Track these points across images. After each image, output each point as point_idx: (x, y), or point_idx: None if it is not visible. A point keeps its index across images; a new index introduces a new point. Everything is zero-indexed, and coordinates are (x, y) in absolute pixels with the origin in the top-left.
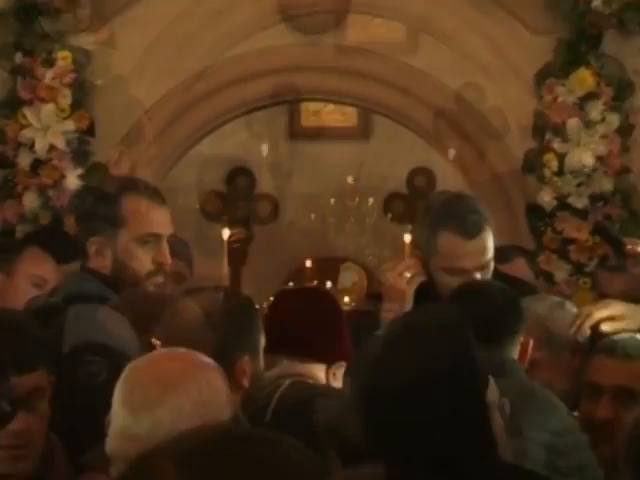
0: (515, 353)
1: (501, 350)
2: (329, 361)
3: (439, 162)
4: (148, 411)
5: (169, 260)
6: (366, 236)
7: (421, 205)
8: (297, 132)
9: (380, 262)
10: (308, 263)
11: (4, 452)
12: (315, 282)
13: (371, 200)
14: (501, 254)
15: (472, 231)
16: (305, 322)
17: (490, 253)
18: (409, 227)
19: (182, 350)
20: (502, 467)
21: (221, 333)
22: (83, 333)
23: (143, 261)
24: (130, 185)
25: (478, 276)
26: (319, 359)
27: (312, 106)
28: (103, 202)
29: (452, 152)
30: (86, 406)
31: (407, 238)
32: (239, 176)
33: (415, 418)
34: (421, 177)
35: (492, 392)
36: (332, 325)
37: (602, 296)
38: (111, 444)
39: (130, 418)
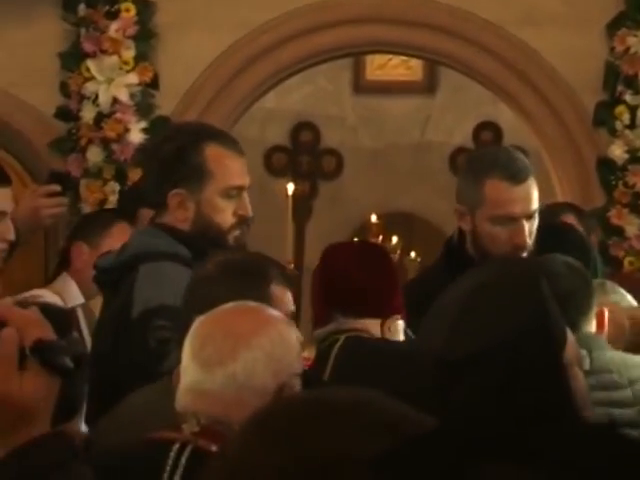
0: (592, 327)
1: (578, 330)
2: (384, 315)
3: (506, 116)
4: (221, 366)
5: (251, 212)
6: (432, 192)
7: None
8: (362, 86)
9: (446, 217)
10: (373, 218)
11: None
12: (380, 237)
13: (436, 156)
14: (549, 210)
15: (519, 176)
16: (357, 277)
17: (536, 202)
18: None
19: (252, 304)
20: (580, 429)
21: None
22: (154, 295)
23: (227, 214)
24: (211, 133)
25: (526, 226)
26: (373, 314)
27: (377, 59)
28: (186, 151)
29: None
30: (155, 373)
31: None
32: (304, 130)
33: (495, 384)
34: (488, 131)
35: (571, 348)
36: (385, 279)
37: None
38: (181, 400)
39: (202, 373)
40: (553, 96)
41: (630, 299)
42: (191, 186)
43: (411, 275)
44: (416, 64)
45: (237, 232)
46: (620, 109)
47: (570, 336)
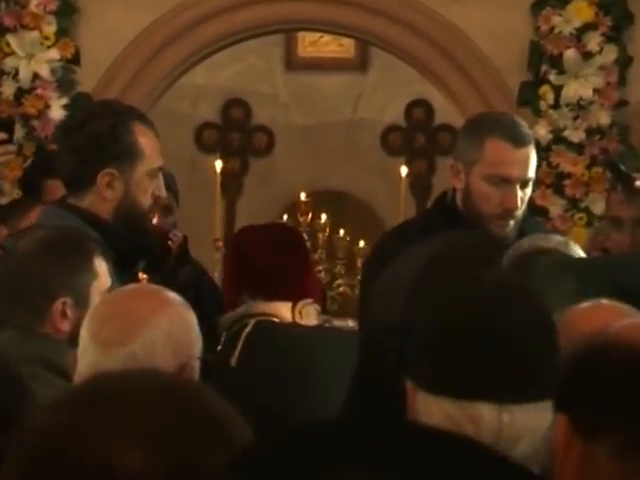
0: None
1: None
2: (294, 298)
3: (438, 95)
4: (120, 346)
5: (165, 194)
6: (364, 170)
7: (420, 137)
8: (293, 63)
9: (377, 195)
10: (302, 196)
11: None
12: (310, 215)
13: (368, 134)
14: None
15: (522, 140)
16: (267, 259)
17: (533, 172)
18: (405, 160)
19: (150, 286)
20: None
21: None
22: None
23: (148, 195)
24: (136, 113)
25: (519, 192)
26: (282, 297)
27: (309, 36)
28: (119, 130)
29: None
30: None
31: (404, 171)
32: (234, 107)
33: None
34: (419, 109)
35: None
36: (296, 261)
37: (612, 219)
38: (79, 382)
39: (101, 354)
40: (478, 76)
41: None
42: (123, 165)
43: (340, 254)
44: (348, 41)
45: (154, 214)
46: (544, 89)
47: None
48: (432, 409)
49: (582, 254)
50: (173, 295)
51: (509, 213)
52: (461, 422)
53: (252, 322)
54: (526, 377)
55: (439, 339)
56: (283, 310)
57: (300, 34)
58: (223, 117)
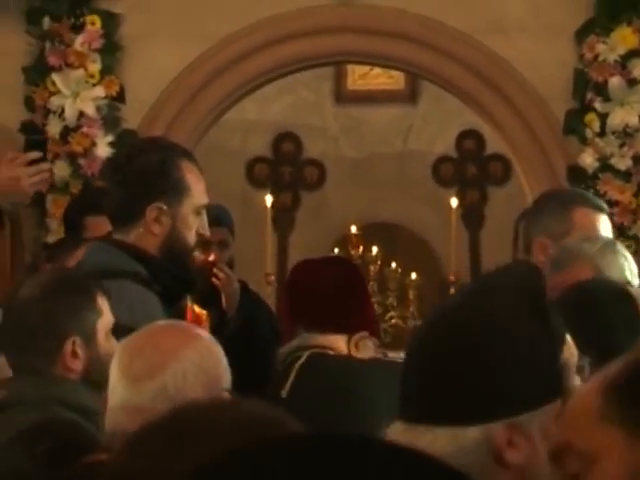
0: None
1: None
2: (349, 331)
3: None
4: (150, 379)
5: (208, 233)
6: (415, 201)
7: (472, 167)
8: (343, 96)
9: (428, 226)
10: (353, 229)
11: None
12: (361, 248)
13: (419, 165)
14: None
15: (602, 206)
16: (324, 291)
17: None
18: (456, 190)
19: (177, 322)
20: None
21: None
22: (119, 317)
23: (193, 233)
24: (183, 150)
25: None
26: (337, 329)
27: (358, 69)
28: (168, 165)
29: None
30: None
31: (454, 202)
32: (285, 141)
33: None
34: (470, 140)
35: (567, 351)
36: (352, 294)
37: None
38: (111, 419)
39: (131, 389)
40: (522, 104)
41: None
42: (170, 200)
43: (392, 286)
44: (398, 73)
45: (198, 252)
46: (590, 117)
47: (568, 341)
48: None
49: (629, 255)
50: (200, 330)
51: None
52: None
53: (306, 354)
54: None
55: None
56: (339, 342)
57: (350, 67)
58: (274, 151)
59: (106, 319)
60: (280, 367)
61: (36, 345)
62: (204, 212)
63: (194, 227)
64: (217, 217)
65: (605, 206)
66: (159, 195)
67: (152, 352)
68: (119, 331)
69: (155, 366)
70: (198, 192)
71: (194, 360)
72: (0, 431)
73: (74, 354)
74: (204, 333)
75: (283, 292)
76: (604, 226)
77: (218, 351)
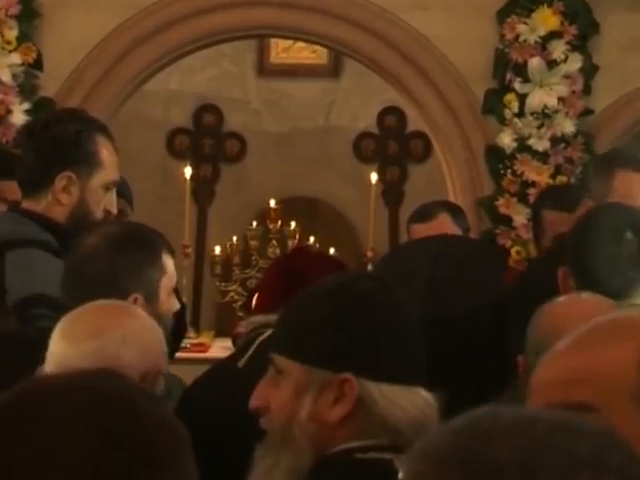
0: None
1: None
2: None
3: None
4: (89, 340)
5: (115, 211)
6: (336, 177)
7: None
8: (266, 69)
9: (349, 202)
10: (272, 203)
11: None
12: (279, 222)
13: (340, 141)
14: (421, 211)
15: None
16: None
17: None
18: (377, 167)
19: (119, 302)
20: None
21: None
22: (30, 284)
23: (100, 208)
24: (101, 125)
25: None
26: None
27: (282, 42)
28: (83, 136)
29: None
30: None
31: (374, 178)
32: (207, 113)
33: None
34: (392, 116)
35: None
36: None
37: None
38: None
39: (71, 348)
40: (443, 83)
41: None
42: (82, 171)
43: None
44: (321, 48)
45: None
46: (509, 97)
47: None
48: None
49: None
50: (140, 310)
51: None
52: None
53: (269, 331)
54: None
55: None
56: None
57: (273, 40)
58: (195, 123)
59: (170, 279)
60: (242, 339)
61: (96, 297)
62: (113, 191)
63: (102, 203)
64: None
65: None
66: (70, 164)
67: (94, 317)
68: (44, 300)
69: (96, 328)
70: (110, 168)
71: (135, 330)
72: None
73: None
74: (145, 313)
75: (276, 271)
76: None
77: (159, 332)
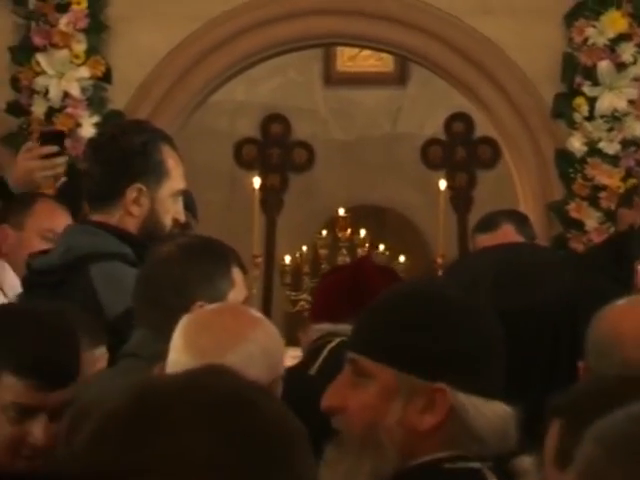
0: None
1: None
2: None
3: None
4: (218, 357)
5: (183, 218)
6: (404, 184)
7: (461, 150)
8: (333, 78)
9: (417, 209)
10: (341, 211)
11: (25, 462)
12: (349, 230)
13: (407, 148)
14: (485, 222)
15: None
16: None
17: None
18: (445, 173)
19: (238, 304)
20: None
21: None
22: (124, 298)
23: (170, 217)
24: (165, 135)
25: None
26: None
27: (347, 51)
28: (149, 147)
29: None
30: None
31: (442, 184)
32: (274, 123)
33: None
34: (459, 123)
35: None
36: None
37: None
38: None
39: (196, 363)
40: (511, 87)
41: None
42: (150, 182)
43: None
44: (387, 56)
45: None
46: (579, 101)
47: None
48: None
49: None
50: (259, 313)
51: None
52: None
53: (337, 340)
54: None
55: None
56: None
57: (339, 48)
58: (262, 132)
59: (239, 292)
60: (310, 347)
61: (163, 302)
62: (180, 198)
63: (171, 211)
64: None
65: None
66: (139, 176)
67: (219, 331)
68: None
69: (223, 344)
70: (177, 177)
71: (260, 342)
72: (110, 380)
73: None
74: (263, 316)
75: (344, 278)
76: None
77: (280, 338)
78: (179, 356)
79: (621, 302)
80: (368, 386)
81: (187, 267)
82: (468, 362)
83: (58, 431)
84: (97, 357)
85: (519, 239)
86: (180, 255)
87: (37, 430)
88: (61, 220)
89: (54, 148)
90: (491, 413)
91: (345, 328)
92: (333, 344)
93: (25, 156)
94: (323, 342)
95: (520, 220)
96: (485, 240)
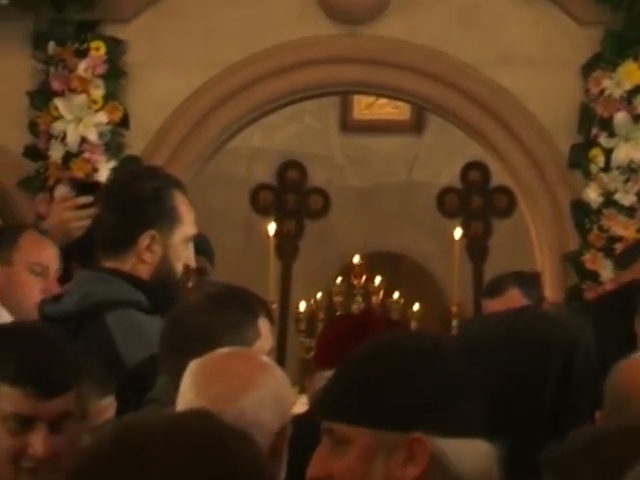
0: None
1: None
2: None
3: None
4: (229, 403)
5: (194, 264)
6: (419, 232)
7: (477, 199)
8: (349, 125)
9: (432, 257)
10: (356, 259)
11: (26, 474)
12: (364, 277)
13: (424, 196)
14: (491, 286)
15: None
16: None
17: None
18: (461, 222)
19: (243, 349)
20: None
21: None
22: (142, 346)
23: (181, 263)
24: (176, 180)
25: None
26: None
27: (364, 98)
28: (162, 193)
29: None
30: None
31: (457, 233)
32: (290, 169)
33: None
34: (475, 171)
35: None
36: None
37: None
38: None
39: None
40: (528, 138)
41: None
42: (163, 229)
43: (394, 316)
44: (404, 104)
45: (189, 282)
46: (595, 152)
47: None
48: None
49: None
50: (268, 358)
51: None
52: None
53: None
54: None
55: None
56: None
57: (356, 96)
58: (279, 179)
59: (265, 342)
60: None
61: (189, 349)
62: (191, 243)
63: (182, 257)
64: (196, 245)
65: None
66: (153, 223)
67: (231, 376)
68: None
69: (235, 390)
70: (188, 222)
71: (271, 388)
72: None
73: None
74: (271, 361)
75: (354, 325)
76: None
77: (289, 382)
78: (190, 400)
79: (636, 355)
80: (348, 451)
81: (214, 315)
82: (439, 407)
83: (60, 443)
84: (105, 406)
85: (526, 303)
86: (207, 303)
87: (37, 441)
88: (48, 252)
89: (90, 198)
90: (473, 453)
91: None
92: None
93: (60, 206)
94: None
95: (527, 282)
96: (492, 305)
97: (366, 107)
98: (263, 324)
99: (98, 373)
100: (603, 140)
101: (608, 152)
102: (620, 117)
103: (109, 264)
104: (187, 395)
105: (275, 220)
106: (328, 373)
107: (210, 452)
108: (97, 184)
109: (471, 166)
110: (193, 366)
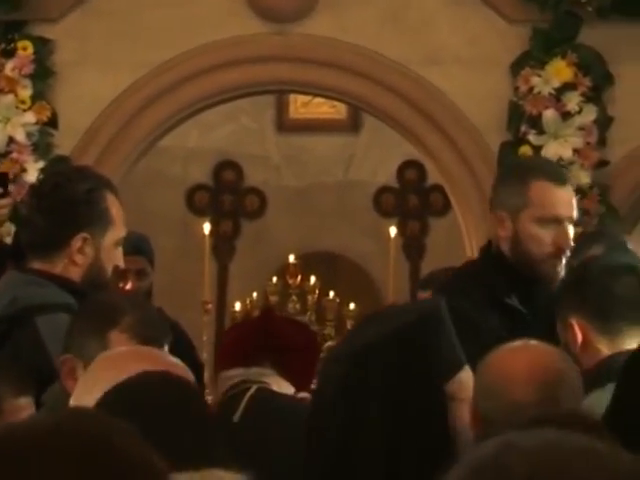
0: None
1: None
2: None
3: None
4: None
5: (123, 265)
6: (356, 231)
7: (413, 198)
8: (285, 124)
9: (369, 256)
10: (291, 258)
11: None
12: (299, 277)
13: (360, 196)
14: (425, 280)
15: (563, 178)
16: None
17: (576, 209)
18: (397, 221)
19: (147, 348)
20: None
21: None
22: None
23: (111, 264)
24: (108, 181)
25: (570, 229)
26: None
27: (301, 97)
28: (95, 195)
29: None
30: None
31: (393, 232)
32: (226, 169)
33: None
34: (412, 170)
35: (463, 385)
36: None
37: None
38: None
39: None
40: (457, 136)
41: None
42: (95, 231)
43: (330, 316)
44: (340, 103)
45: (126, 284)
46: (524, 149)
47: (467, 375)
48: None
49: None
50: (169, 356)
51: (562, 252)
52: None
53: (255, 387)
54: None
55: None
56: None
57: (292, 95)
58: (215, 179)
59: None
60: (227, 393)
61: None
62: (121, 245)
63: (114, 258)
64: (136, 246)
65: (566, 176)
66: (85, 225)
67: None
68: None
69: None
70: (120, 224)
71: None
72: None
73: None
74: (174, 360)
75: (259, 327)
76: (566, 199)
77: (190, 379)
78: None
79: (507, 346)
80: None
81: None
82: None
83: None
84: (22, 406)
85: None
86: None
87: None
88: None
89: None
90: None
91: (256, 372)
92: (252, 391)
93: None
94: (240, 389)
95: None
96: (424, 297)
97: (302, 106)
98: (118, 337)
99: (14, 373)
100: (532, 137)
101: (537, 149)
102: (549, 115)
103: (38, 265)
104: (81, 396)
105: (211, 220)
106: (235, 372)
107: (97, 453)
108: (4, 175)
109: (407, 165)
110: (91, 367)
